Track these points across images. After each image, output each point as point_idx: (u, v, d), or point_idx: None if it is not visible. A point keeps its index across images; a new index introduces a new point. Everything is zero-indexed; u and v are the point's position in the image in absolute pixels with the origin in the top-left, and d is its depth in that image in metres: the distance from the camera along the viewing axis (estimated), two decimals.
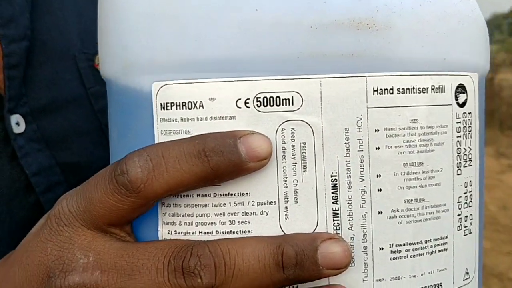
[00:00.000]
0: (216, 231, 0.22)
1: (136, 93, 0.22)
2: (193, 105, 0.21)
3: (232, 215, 0.22)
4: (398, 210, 0.23)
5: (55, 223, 0.21)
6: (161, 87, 0.22)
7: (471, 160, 0.25)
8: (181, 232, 0.22)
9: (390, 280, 0.23)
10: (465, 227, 0.25)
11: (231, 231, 0.22)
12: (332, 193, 0.22)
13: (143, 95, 0.22)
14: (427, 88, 0.23)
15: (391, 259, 0.23)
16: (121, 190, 0.20)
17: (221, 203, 0.21)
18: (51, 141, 0.34)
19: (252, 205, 0.22)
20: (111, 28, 0.24)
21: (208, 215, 0.22)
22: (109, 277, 0.20)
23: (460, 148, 0.24)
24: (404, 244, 0.23)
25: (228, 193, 0.21)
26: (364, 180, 0.22)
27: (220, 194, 0.21)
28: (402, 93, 0.22)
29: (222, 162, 0.20)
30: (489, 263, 2.74)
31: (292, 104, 0.21)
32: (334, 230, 0.22)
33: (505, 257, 2.80)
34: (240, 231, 0.22)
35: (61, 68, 0.37)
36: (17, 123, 0.33)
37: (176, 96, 0.21)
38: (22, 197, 0.31)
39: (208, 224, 0.22)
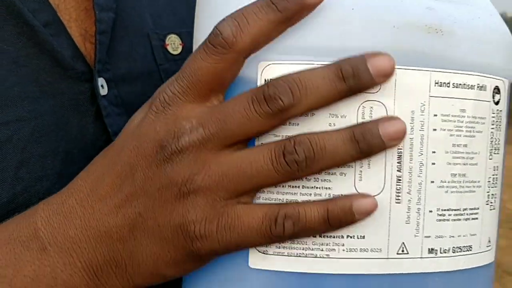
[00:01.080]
0: (302, 185, 0.27)
1: (247, 72, 0.27)
2: None
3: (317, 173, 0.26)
4: (446, 181, 0.28)
5: (160, 106, 0.26)
6: (266, 66, 0.27)
7: (499, 149, 0.31)
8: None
9: (435, 237, 0.28)
10: (491, 203, 0.31)
11: (314, 186, 0.27)
12: (397, 163, 0.27)
13: (247, 74, 0.27)
14: (474, 85, 0.28)
15: (437, 221, 0.28)
16: (218, 49, 0.24)
17: None
18: (128, 108, 0.37)
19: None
20: (212, 15, 0.29)
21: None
22: (210, 128, 0.25)
23: (492, 138, 0.30)
24: (448, 210, 0.28)
25: None
26: (422, 154, 0.27)
27: None
28: (456, 88, 0.28)
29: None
30: (505, 261, 2.81)
31: (373, 87, 0.26)
32: (396, 193, 0.27)
33: None
34: (321, 187, 0.27)
35: (137, 44, 0.41)
36: (102, 86, 0.37)
37: (278, 74, 0.26)
38: None
39: (297, 180, 0.27)
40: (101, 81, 0.37)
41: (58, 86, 0.35)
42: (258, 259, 0.27)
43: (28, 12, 0.33)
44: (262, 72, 0.27)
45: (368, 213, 0.26)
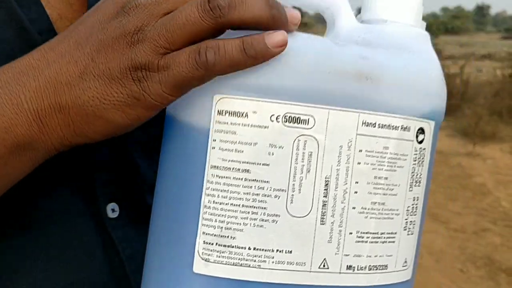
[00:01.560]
0: (242, 204, 0.31)
1: (204, 101, 0.31)
2: (241, 114, 0.30)
3: (255, 195, 0.31)
4: (366, 208, 0.32)
5: None
6: (220, 99, 0.31)
7: (420, 182, 0.35)
8: (218, 202, 0.31)
9: (354, 256, 0.32)
10: (409, 229, 0.35)
11: (252, 206, 0.31)
12: (324, 190, 0.31)
13: (203, 104, 0.31)
14: (398, 126, 0.33)
15: (356, 242, 0.32)
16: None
17: (249, 186, 0.31)
18: None
19: (269, 190, 0.31)
20: None
21: (239, 192, 0.31)
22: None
23: (414, 172, 0.34)
24: (367, 233, 0.33)
25: (255, 179, 0.31)
26: (346, 184, 0.32)
27: (250, 179, 0.30)
28: (381, 128, 0.32)
29: None
30: (499, 258, 2.87)
31: (308, 124, 0.31)
32: (321, 215, 0.31)
33: None
34: (258, 207, 0.31)
35: None
36: None
37: (229, 106, 0.30)
38: None
39: (238, 199, 0.31)
40: None
41: None
42: (201, 266, 0.31)
43: (27, 21, 0.37)
44: (216, 104, 0.31)
45: (278, 44, 0.29)
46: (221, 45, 0.29)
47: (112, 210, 0.41)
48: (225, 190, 0.31)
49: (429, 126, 0.35)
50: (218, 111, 0.31)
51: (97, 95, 0.30)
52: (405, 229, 0.35)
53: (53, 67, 0.30)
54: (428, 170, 0.36)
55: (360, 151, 0.32)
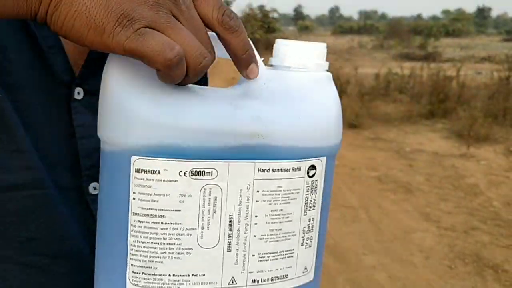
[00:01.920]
0: (161, 242, 0.38)
1: (124, 161, 0.38)
2: (154, 172, 0.37)
3: (171, 234, 0.38)
4: (265, 235, 0.40)
5: None
6: (136, 159, 0.38)
7: (314, 206, 0.43)
8: (141, 241, 0.38)
9: (257, 272, 0.41)
10: (307, 243, 0.43)
11: (170, 243, 0.38)
12: (229, 225, 0.39)
13: (124, 164, 0.38)
14: (289, 169, 0.40)
15: (258, 261, 0.41)
16: None
17: (165, 228, 0.38)
18: (95, 111, 0.45)
19: (182, 230, 0.38)
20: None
21: (157, 233, 0.38)
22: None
23: (307, 200, 0.42)
24: (267, 253, 0.41)
25: (170, 222, 0.38)
26: (247, 218, 0.40)
27: (165, 223, 0.38)
28: (274, 172, 0.40)
29: None
30: (487, 255, 2.98)
31: (211, 175, 0.38)
32: (227, 245, 0.39)
33: (502, 250, 3.07)
34: (174, 243, 0.38)
35: None
36: (78, 93, 0.52)
37: (144, 165, 0.37)
38: None
39: (157, 239, 0.38)
40: (78, 89, 0.51)
41: (48, 86, 0.50)
42: None
43: (40, 37, 0.48)
44: (133, 163, 0.38)
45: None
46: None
47: (94, 188, 0.53)
48: (146, 232, 0.38)
49: (320, 163, 0.42)
50: (135, 169, 0.37)
51: (88, 7, 0.34)
52: (302, 245, 0.43)
53: None
54: (324, 194, 0.44)
55: (258, 191, 0.39)
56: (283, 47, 0.44)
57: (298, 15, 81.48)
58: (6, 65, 0.47)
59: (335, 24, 70.00)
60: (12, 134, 0.46)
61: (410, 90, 7.89)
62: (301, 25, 60.30)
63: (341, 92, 8.20)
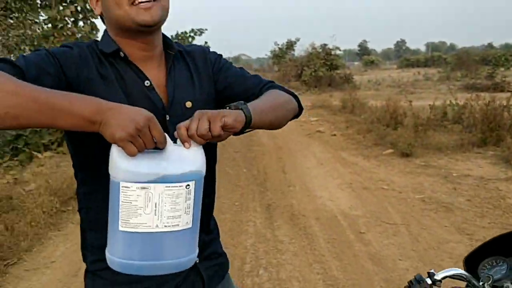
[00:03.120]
0: (131, 212, 1.03)
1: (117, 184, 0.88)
2: (127, 188, 0.87)
3: (135, 209, 0.89)
4: (170, 209, 0.96)
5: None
6: (123, 185, 0.87)
7: (189, 199, 0.91)
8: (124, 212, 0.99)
9: (166, 222, 0.91)
10: (187, 211, 0.92)
11: (135, 212, 1.00)
12: (155, 206, 0.90)
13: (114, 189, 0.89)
14: (177, 187, 0.90)
15: (167, 218, 1.04)
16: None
17: (133, 206, 0.90)
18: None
19: (138, 208, 0.88)
20: None
21: (130, 209, 0.98)
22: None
23: (186, 197, 0.91)
24: (170, 216, 0.91)
25: (135, 206, 0.89)
26: (163, 203, 0.91)
27: (134, 206, 1.01)
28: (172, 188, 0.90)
29: None
30: None
31: (149, 189, 0.88)
32: (154, 213, 0.94)
33: None
34: (136, 212, 0.89)
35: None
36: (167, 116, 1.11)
37: (125, 185, 0.87)
38: None
39: (129, 212, 1.02)
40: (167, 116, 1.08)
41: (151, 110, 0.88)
42: (122, 228, 0.88)
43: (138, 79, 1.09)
44: (120, 188, 0.87)
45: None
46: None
47: None
48: (127, 208, 0.87)
49: (193, 182, 0.90)
50: (122, 186, 0.87)
51: (116, 126, 0.82)
52: (185, 213, 0.91)
53: (113, 107, 0.84)
54: (195, 199, 0.92)
55: (166, 194, 0.90)
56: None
57: (363, 50, 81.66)
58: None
59: (401, 57, 69.44)
60: None
61: (466, 120, 8.17)
62: (366, 60, 60.46)
63: (397, 123, 8.67)
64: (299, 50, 29.19)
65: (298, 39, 29.05)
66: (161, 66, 1.14)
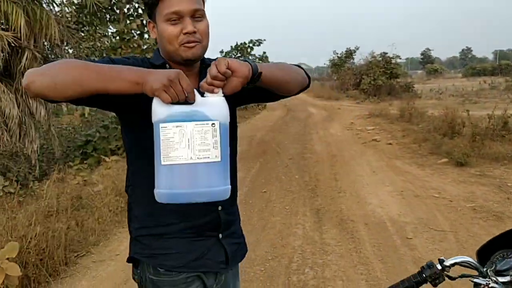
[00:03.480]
0: (169, 147, 1.26)
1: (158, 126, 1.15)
2: (165, 127, 1.14)
3: (172, 144, 1.25)
4: (200, 143, 1.18)
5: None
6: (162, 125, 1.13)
7: (216, 136, 1.14)
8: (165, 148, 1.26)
9: (199, 154, 1.19)
10: (215, 147, 1.15)
11: (173, 146, 1.25)
12: (188, 140, 1.20)
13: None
14: (204, 124, 1.28)
15: (198, 151, 1.25)
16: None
17: (171, 142, 1.17)
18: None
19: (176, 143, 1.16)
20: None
21: (168, 145, 1.24)
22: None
23: (212, 134, 1.17)
24: (201, 149, 1.15)
25: (173, 141, 1.21)
26: (194, 138, 1.25)
27: (171, 141, 1.26)
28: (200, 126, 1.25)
29: None
30: None
31: (181, 127, 1.21)
32: (188, 146, 1.19)
33: None
34: (174, 147, 1.24)
35: None
36: None
37: (163, 126, 1.15)
38: None
39: (167, 147, 1.25)
40: None
41: None
42: (163, 162, 1.14)
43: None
44: (160, 128, 1.14)
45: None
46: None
47: None
48: (166, 145, 1.15)
49: (217, 122, 1.13)
50: (160, 126, 1.13)
51: (153, 80, 1.08)
52: (213, 147, 1.17)
53: (151, 71, 1.11)
54: (221, 133, 1.16)
55: (196, 130, 1.16)
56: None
57: (426, 58, 79.48)
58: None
59: (467, 65, 67.07)
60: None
61: None
62: (429, 68, 58.90)
63: (454, 133, 8.56)
64: (358, 59, 28.95)
65: (357, 48, 28.91)
66: (195, 75, 1.39)
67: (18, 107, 6.29)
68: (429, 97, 21.63)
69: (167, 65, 1.36)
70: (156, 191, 1.15)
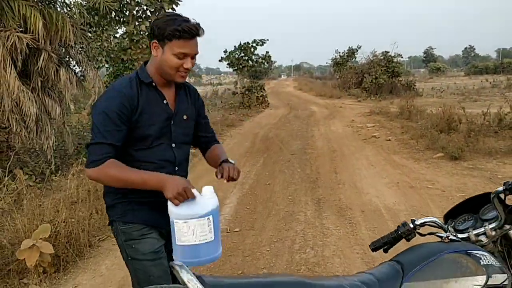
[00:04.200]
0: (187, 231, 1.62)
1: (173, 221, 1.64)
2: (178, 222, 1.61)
3: (192, 228, 1.62)
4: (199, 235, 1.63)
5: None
6: (175, 220, 1.70)
7: (212, 229, 1.66)
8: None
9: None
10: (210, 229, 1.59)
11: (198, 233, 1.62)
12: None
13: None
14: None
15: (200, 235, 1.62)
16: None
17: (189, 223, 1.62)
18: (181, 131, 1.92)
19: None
20: None
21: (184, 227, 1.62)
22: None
23: (211, 228, 1.62)
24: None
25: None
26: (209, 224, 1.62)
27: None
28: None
29: None
30: None
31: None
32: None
33: None
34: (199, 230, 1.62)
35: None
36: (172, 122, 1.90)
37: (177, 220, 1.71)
38: None
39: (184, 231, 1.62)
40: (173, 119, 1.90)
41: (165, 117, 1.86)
42: (179, 242, 1.56)
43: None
44: (174, 222, 1.58)
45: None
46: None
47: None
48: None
49: (211, 216, 1.54)
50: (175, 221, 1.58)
51: (169, 184, 1.62)
52: (210, 232, 1.63)
53: (167, 179, 1.65)
54: (214, 223, 1.57)
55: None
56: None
57: (429, 57, 79.67)
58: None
59: (469, 64, 67.31)
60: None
61: None
62: (432, 66, 59.15)
63: (451, 129, 8.92)
64: (360, 58, 29.26)
65: (359, 47, 29.23)
66: (173, 90, 1.91)
67: (35, 105, 6.65)
68: (431, 95, 22.00)
69: (153, 83, 1.82)
70: (174, 258, 1.58)
